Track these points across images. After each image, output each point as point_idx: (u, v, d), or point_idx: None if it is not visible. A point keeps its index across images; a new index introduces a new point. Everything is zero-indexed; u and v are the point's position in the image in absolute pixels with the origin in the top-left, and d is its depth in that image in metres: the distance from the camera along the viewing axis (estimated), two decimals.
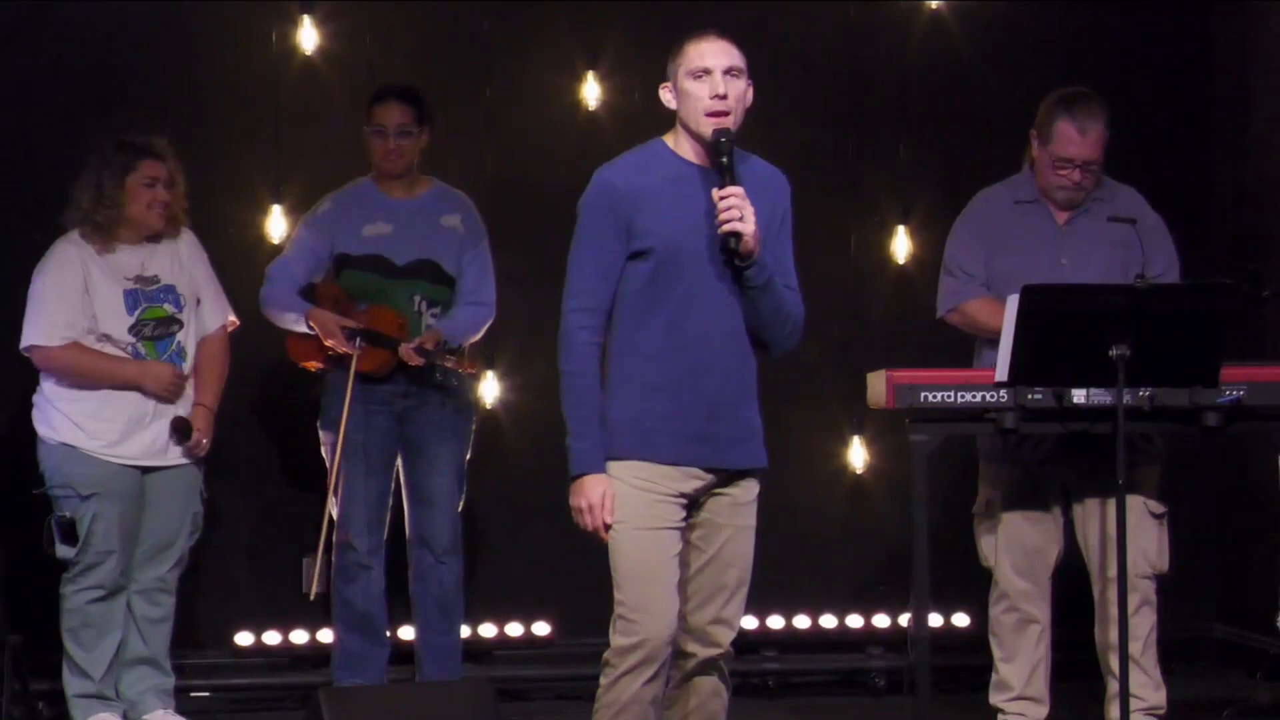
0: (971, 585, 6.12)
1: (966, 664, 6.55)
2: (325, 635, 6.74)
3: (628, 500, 4.48)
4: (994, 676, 5.85)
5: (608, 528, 4.48)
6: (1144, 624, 5.67)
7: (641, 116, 6.76)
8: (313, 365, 6.33)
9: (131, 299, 6.01)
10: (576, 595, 6.80)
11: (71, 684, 5.99)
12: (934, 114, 7.27)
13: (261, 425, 6.91)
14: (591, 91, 7.12)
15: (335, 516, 6.26)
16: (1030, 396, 5.25)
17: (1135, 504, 5.54)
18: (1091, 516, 5.75)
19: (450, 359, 6.12)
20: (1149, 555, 5.69)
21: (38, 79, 6.78)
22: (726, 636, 4.63)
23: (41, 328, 5.96)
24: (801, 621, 7.14)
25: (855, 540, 7.19)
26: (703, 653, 4.61)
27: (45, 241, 6.09)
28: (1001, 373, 5.23)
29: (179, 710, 6.15)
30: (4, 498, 6.34)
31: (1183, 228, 5.99)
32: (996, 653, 5.84)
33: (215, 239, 6.40)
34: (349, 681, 6.26)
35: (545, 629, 7.08)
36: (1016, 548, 5.78)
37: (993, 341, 5.48)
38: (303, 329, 6.25)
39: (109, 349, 5.95)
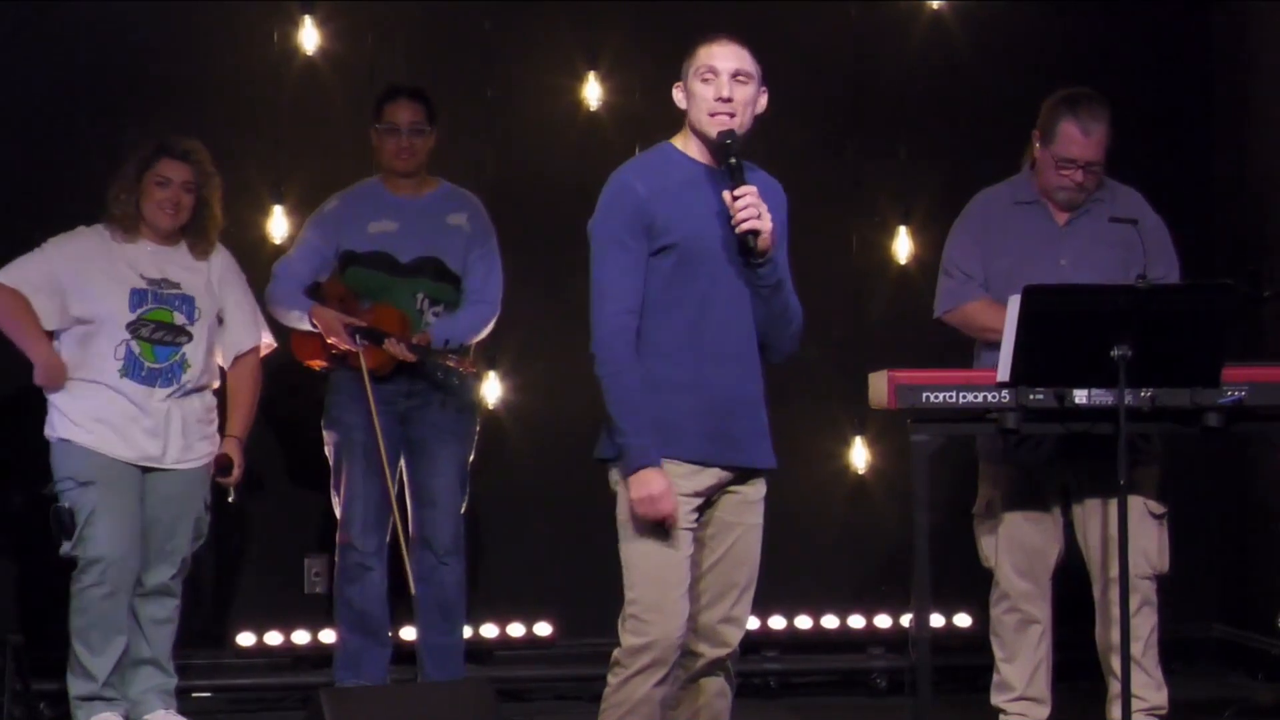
0: (972, 586, 6.12)
1: (968, 664, 6.54)
2: (327, 635, 6.74)
3: None
4: (995, 677, 5.84)
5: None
6: (1145, 624, 5.67)
7: (642, 116, 6.80)
8: (317, 364, 6.33)
9: (137, 297, 6.00)
10: (578, 596, 6.81)
11: (75, 686, 5.97)
12: (934, 114, 7.27)
13: (265, 425, 6.89)
14: (592, 91, 7.12)
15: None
16: (1032, 397, 5.24)
17: (1135, 504, 5.52)
18: (1092, 517, 5.74)
19: (452, 358, 6.12)
20: (1149, 555, 5.68)
21: (38, 79, 6.78)
22: (735, 636, 4.64)
23: (11, 268, 6.00)
24: (803, 621, 7.14)
25: (857, 540, 7.19)
26: (710, 653, 4.62)
27: (45, 241, 6.09)
28: (1003, 373, 5.23)
29: (181, 710, 6.13)
30: (9, 499, 6.34)
31: (1183, 228, 5.98)
32: (998, 653, 5.83)
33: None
34: (350, 682, 6.26)
35: (547, 629, 7.08)
36: (1017, 548, 5.77)
37: (990, 344, 5.49)
38: (307, 326, 6.26)
39: (100, 337, 5.94)
